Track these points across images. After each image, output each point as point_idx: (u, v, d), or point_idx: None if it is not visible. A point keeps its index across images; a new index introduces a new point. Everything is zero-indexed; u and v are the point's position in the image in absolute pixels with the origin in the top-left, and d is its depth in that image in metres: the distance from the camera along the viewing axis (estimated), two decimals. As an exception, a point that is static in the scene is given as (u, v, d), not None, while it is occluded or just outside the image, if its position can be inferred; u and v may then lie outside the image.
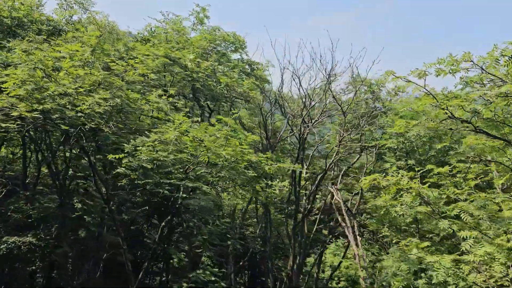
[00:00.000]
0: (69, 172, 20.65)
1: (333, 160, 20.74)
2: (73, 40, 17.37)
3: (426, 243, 9.93)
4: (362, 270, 16.77)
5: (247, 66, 20.90)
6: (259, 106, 21.74)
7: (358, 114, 22.87)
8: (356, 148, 21.58)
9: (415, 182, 9.65)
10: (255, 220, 25.92)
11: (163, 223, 15.07)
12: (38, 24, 19.62)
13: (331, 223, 24.37)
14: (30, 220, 23.44)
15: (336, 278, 27.11)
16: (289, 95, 23.40)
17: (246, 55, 20.87)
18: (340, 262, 23.66)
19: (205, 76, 16.46)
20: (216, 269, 18.04)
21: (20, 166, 27.08)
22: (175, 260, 17.55)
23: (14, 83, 11.63)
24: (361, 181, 10.40)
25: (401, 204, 9.19)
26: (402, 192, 9.45)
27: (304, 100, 21.01)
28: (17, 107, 12.24)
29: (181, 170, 10.80)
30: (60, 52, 13.72)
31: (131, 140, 11.21)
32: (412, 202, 9.41)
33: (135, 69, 14.38)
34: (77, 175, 20.51)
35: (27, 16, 19.71)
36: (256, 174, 11.17)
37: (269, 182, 12.44)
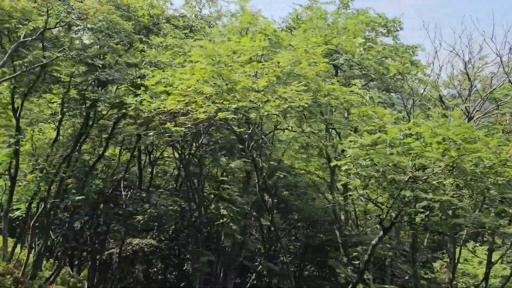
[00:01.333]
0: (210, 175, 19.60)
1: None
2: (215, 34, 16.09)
3: None
4: None
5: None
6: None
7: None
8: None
9: None
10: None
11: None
12: (175, 21, 18.70)
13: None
14: (156, 224, 22.98)
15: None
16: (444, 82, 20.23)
17: (398, 39, 18.18)
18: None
19: (376, 64, 14.12)
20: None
21: (134, 168, 26.83)
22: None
23: (198, 80, 10.21)
24: None
25: None
26: None
27: (471, 85, 17.85)
28: (192, 108, 10.90)
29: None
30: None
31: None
32: None
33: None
34: (219, 179, 19.34)
35: (162, 13, 18.92)
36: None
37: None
